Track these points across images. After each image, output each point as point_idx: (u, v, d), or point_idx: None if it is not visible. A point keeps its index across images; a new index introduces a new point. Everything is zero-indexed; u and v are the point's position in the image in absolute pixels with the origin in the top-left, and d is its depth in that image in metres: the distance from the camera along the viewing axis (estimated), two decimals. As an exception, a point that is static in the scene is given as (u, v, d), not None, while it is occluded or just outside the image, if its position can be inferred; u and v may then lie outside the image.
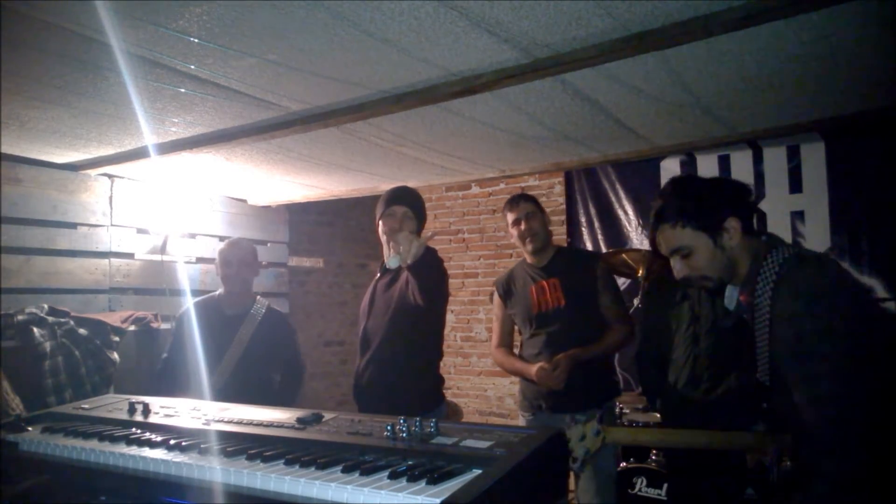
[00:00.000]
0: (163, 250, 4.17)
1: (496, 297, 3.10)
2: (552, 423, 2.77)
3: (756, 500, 2.57)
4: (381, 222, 2.59)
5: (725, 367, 2.53)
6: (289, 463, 1.46)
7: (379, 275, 2.77)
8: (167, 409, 2.03)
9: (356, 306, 3.21)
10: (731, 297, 1.79)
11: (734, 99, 2.81)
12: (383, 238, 2.60)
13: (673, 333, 2.71)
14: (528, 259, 3.00)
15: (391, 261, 2.39)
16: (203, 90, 2.53)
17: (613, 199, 4.98)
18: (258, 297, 3.13)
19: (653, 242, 1.86)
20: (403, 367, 2.52)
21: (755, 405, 2.46)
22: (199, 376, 2.78)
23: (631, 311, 3.89)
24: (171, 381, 2.85)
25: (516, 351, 3.13)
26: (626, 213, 4.91)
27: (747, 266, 1.70)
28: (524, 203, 2.93)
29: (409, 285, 2.39)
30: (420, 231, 2.60)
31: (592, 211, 5.10)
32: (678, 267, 1.76)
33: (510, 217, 2.95)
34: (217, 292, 3.11)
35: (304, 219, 5.42)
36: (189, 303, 3.07)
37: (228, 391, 2.80)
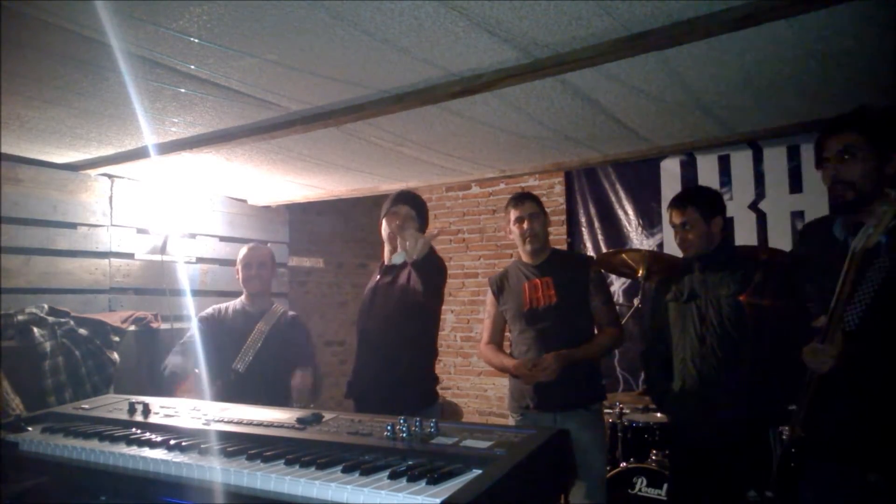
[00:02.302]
0: (163, 250, 4.17)
1: (489, 293, 3.12)
2: (540, 422, 2.78)
3: (759, 502, 2.57)
4: (384, 220, 2.73)
5: (733, 366, 2.53)
6: (289, 463, 1.46)
7: (378, 276, 2.85)
8: (167, 410, 2.03)
9: (356, 306, 3.24)
10: (843, 223, 1.92)
11: (734, 99, 2.81)
12: (385, 236, 2.75)
13: (679, 333, 2.70)
14: (524, 258, 3.01)
15: (396, 256, 2.58)
16: (203, 90, 2.53)
17: (613, 199, 4.99)
18: (275, 302, 3.23)
19: (822, 145, 1.94)
20: (402, 364, 2.62)
21: (764, 402, 2.46)
22: (221, 362, 2.90)
23: (631, 310, 3.90)
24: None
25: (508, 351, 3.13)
26: (626, 213, 4.92)
27: (878, 210, 1.77)
28: (529, 203, 2.93)
29: (412, 281, 2.52)
30: (424, 228, 2.75)
31: (592, 211, 5.11)
32: (833, 168, 1.88)
33: (513, 214, 2.95)
34: (238, 299, 3.21)
35: (304, 219, 5.42)
36: (215, 305, 3.20)
37: (250, 376, 2.90)
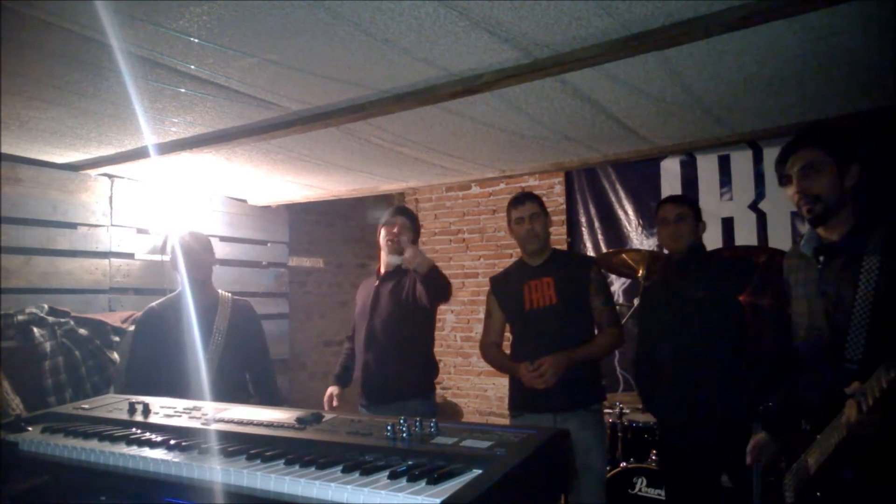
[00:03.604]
0: (163, 250, 4.17)
1: (489, 292, 3.13)
2: (540, 422, 2.78)
3: (732, 491, 2.63)
4: (383, 230, 3.12)
5: (724, 369, 2.55)
6: (289, 463, 1.45)
7: (378, 281, 3.15)
8: (167, 409, 2.03)
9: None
10: (811, 237, 2.00)
11: (734, 99, 2.82)
12: (383, 242, 3.11)
13: (664, 334, 2.74)
14: (525, 258, 3.01)
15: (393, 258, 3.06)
16: (203, 90, 2.53)
17: (613, 199, 4.99)
18: (219, 290, 3.03)
19: (782, 162, 2.01)
20: (410, 357, 2.99)
21: (752, 405, 2.48)
22: (186, 369, 2.67)
23: (631, 310, 3.90)
24: (148, 384, 2.67)
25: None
26: (626, 213, 4.92)
27: (844, 217, 1.93)
28: (529, 203, 2.93)
29: (417, 289, 2.93)
30: (416, 239, 3.17)
31: (592, 211, 5.11)
32: (799, 185, 1.95)
33: (514, 214, 2.95)
34: (177, 291, 2.96)
35: (304, 219, 5.42)
36: (151, 304, 2.96)
37: (220, 380, 2.75)
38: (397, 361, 2.97)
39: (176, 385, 2.59)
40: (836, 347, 1.85)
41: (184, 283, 2.90)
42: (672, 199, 2.88)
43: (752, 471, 2.16)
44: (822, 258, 1.96)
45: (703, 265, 2.75)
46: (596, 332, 2.92)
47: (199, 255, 2.90)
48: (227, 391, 2.67)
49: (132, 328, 2.97)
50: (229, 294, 3.03)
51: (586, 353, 2.82)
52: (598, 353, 2.90)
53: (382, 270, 3.16)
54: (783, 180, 2.02)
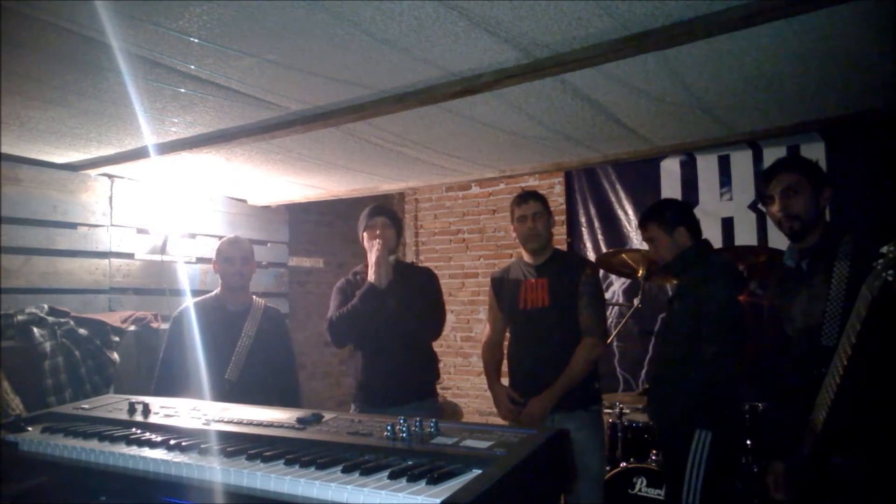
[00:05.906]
0: (163, 250, 4.17)
1: (490, 289, 3.13)
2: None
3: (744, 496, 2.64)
4: (365, 234, 2.95)
5: (674, 368, 2.58)
6: (289, 463, 1.46)
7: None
8: (167, 409, 2.03)
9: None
10: (791, 251, 2.23)
11: (734, 99, 2.81)
12: (368, 246, 2.91)
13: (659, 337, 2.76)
14: (525, 257, 3.02)
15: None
16: (203, 90, 2.53)
17: (613, 199, 4.99)
18: (254, 295, 3.11)
19: (765, 184, 2.26)
20: (416, 361, 2.88)
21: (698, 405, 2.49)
22: (211, 372, 2.73)
23: (631, 310, 3.90)
24: (175, 382, 2.79)
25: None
26: (626, 213, 4.92)
27: (818, 230, 2.18)
28: (533, 202, 2.93)
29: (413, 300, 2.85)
30: (400, 236, 3.04)
31: (592, 211, 5.11)
32: (780, 203, 2.19)
33: (517, 212, 2.96)
34: (214, 292, 3.07)
35: (304, 219, 5.42)
36: (188, 302, 3.03)
37: (243, 385, 2.81)
38: (404, 365, 2.84)
39: (202, 383, 2.68)
40: (813, 333, 2.06)
41: (221, 286, 3.03)
42: (639, 224, 2.81)
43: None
44: (804, 265, 2.18)
45: (684, 270, 2.68)
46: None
47: (238, 264, 2.98)
48: (251, 394, 2.69)
49: (166, 325, 3.02)
50: (262, 301, 3.09)
51: (569, 381, 2.77)
52: (580, 374, 2.80)
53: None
54: (766, 200, 2.25)
